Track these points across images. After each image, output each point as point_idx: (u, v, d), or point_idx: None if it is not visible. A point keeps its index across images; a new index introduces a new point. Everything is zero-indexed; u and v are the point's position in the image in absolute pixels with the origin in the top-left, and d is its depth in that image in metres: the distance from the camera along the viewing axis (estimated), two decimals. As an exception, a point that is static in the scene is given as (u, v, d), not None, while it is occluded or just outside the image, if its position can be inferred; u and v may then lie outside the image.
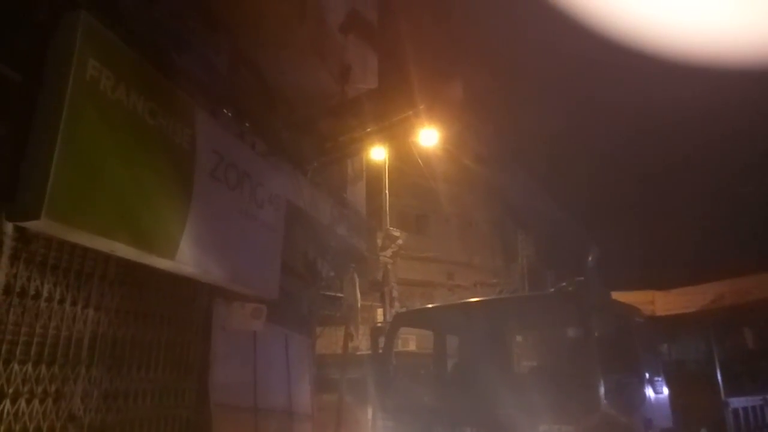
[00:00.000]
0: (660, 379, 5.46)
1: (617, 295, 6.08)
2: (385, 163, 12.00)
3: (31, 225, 3.95)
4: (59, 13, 4.21)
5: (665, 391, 5.53)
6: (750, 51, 7.35)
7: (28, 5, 4.20)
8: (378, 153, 10.86)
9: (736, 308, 11.64)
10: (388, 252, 12.05)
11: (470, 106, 8.00)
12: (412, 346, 13.35)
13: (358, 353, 10.73)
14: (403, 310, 10.06)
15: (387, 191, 12.31)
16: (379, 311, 12.55)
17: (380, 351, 5.91)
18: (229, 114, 6.51)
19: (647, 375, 5.16)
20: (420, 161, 11.58)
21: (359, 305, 10.04)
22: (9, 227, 3.92)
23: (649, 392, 5.12)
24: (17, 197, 3.89)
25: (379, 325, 9.48)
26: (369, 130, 8.02)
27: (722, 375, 8.09)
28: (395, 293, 12.03)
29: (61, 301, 4.50)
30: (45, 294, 4.35)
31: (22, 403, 4.13)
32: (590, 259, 4.73)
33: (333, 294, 9.59)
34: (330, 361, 10.19)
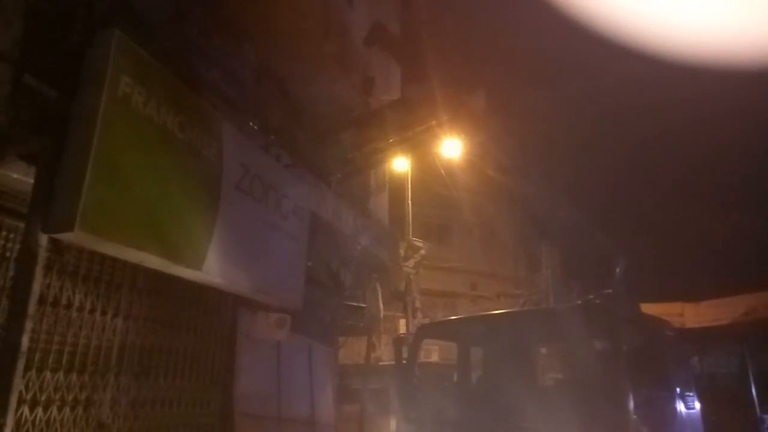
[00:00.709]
0: (691, 394, 5.32)
1: (645, 307, 5.96)
2: (407, 173, 12.01)
3: (65, 237, 4.06)
4: (93, 32, 4.35)
5: (697, 406, 5.39)
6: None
7: (64, 25, 4.36)
8: (401, 163, 10.89)
9: (771, 321, 11.28)
10: (411, 262, 11.99)
11: (494, 117, 7.97)
12: (434, 357, 13.29)
13: (381, 363, 10.71)
14: (427, 321, 10.03)
15: (410, 201, 12.29)
16: (402, 321, 12.51)
17: (404, 361, 5.89)
18: (255, 127, 6.62)
19: (678, 390, 5.04)
20: (443, 171, 11.56)
21: (382, 315, 10.05)
22: (44, 239, 4.04)
23: (681, 407, 4.99)
24: (52, 210, 4.01)
25: (402, 335, 9.46)
26: (392, 140, 8.04)
27: (757, 390, 7.83)
28: (418, 303, 11.96)
29: (92, 311, 4.63)
30: (76, 303, 4.49)
31: (54, 410, 4.24)
32: (618, 270, 4.64)
33: (356, 304, 9.61)
34: (352, 371, 10.19)
